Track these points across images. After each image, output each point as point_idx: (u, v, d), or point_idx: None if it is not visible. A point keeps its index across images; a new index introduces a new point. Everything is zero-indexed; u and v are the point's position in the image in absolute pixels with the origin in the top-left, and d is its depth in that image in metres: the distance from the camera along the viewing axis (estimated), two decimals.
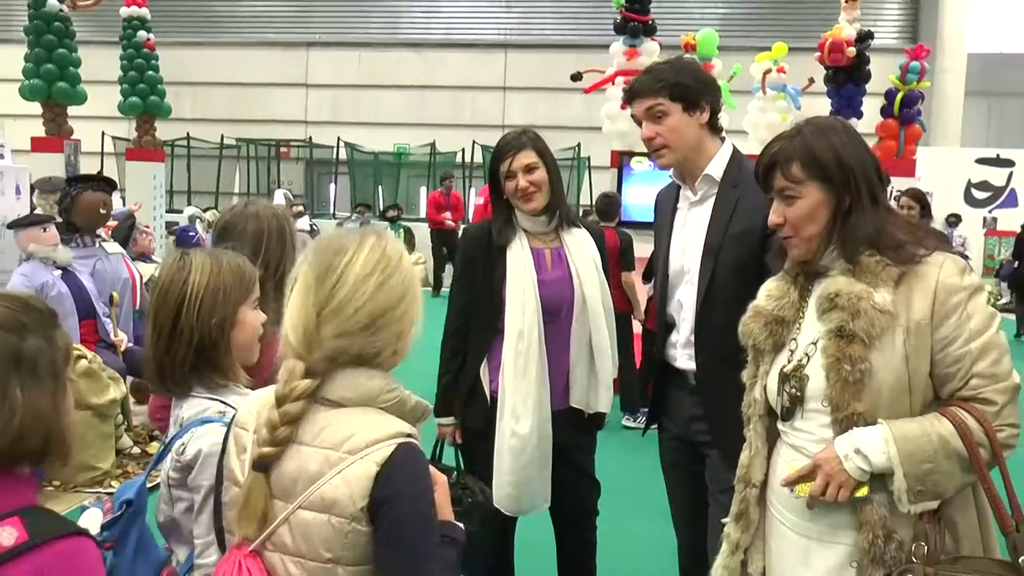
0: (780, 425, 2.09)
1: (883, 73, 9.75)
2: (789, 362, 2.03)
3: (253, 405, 1.62)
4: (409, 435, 1.52)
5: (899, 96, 9.29)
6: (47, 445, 1.45)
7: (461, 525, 1.66)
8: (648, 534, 4.30)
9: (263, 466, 1.51)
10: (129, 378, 5.84)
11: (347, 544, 1.47)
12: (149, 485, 2.01)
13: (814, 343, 1.98)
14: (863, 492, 1.87)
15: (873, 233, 1.93)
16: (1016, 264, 12.87)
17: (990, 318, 1.89)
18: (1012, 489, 1.85)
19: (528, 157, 2.99)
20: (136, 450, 5.53)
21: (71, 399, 1.53)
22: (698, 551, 2.77)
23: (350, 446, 1.48)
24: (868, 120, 9.77)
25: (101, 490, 4.90)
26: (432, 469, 1.57)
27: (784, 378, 2.03)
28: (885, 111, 9.49)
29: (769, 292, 2.12)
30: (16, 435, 1.40)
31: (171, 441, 1.95)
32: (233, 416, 1.68)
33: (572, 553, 3.33)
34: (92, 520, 1.97)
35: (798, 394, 1.99)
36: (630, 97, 2.80)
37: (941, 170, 16.11)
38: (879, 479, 1.87)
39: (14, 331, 1.43)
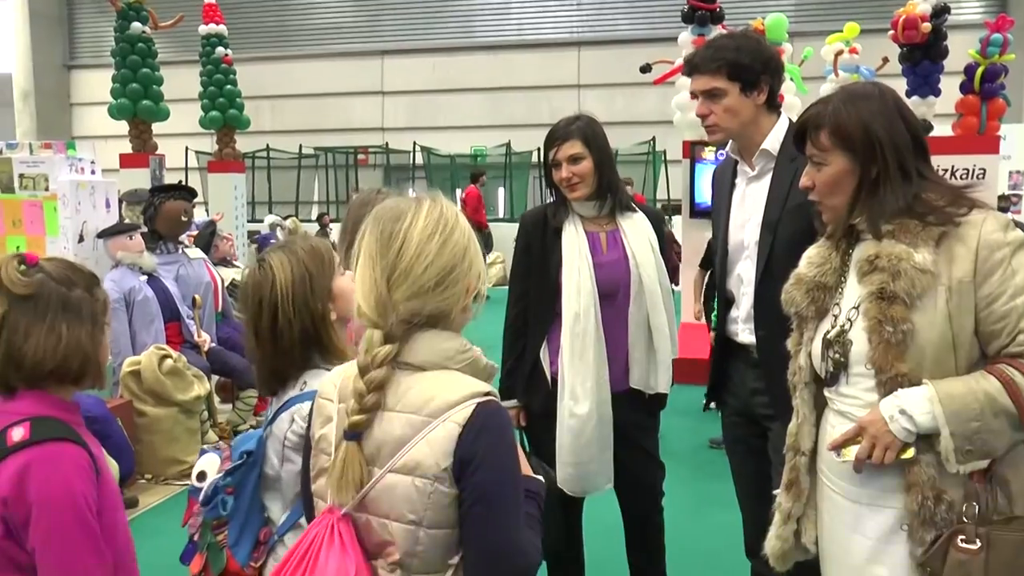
0: (826, 391, 2.08)
1: (968, 51, 9.41)
2: (832, 327, 2.02)
3: (335, 378, 1.68)
4: (487, 393, 1.56)
5: (979, 70, 8.94)
6: (84, 368, 1.86)
7: (540, 478, 1.70)
8: (718, 518, 4.30)
9: (355, 435, 1.55)
10: (215, 377, 6.06)
11: (429, 505, 1.51)
12: None
13: (856, 307, 1.96)
14: (910, 454, 1.85)
15: (903, 207, 1.91)
16: None
17: None
18: None
19: (573, 147, 3.01)
20: (222, 444, 5.72)
21: (107, 337, 1.95)
22: (762, 527, 2.76)
23: (432, 409, 1.52)
24: (949, 98, 9.46)
25: (189, 482, 5.10)
26: None
27: (827, 344, 2.01)
28: (965, 87, 9.13)
29: (810, 259, 2.11)
30: (61, 358, 1.81)
31: (290, 401, 2.02)
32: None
33: (640, 535, 3.34)
34: (209, 463, 2.08)
35: (842, 359, 1.98)
36: (689, 71, 2.80)
37: None
38: (926, 440, 1.84)
39: (64, 284, 1.85)
